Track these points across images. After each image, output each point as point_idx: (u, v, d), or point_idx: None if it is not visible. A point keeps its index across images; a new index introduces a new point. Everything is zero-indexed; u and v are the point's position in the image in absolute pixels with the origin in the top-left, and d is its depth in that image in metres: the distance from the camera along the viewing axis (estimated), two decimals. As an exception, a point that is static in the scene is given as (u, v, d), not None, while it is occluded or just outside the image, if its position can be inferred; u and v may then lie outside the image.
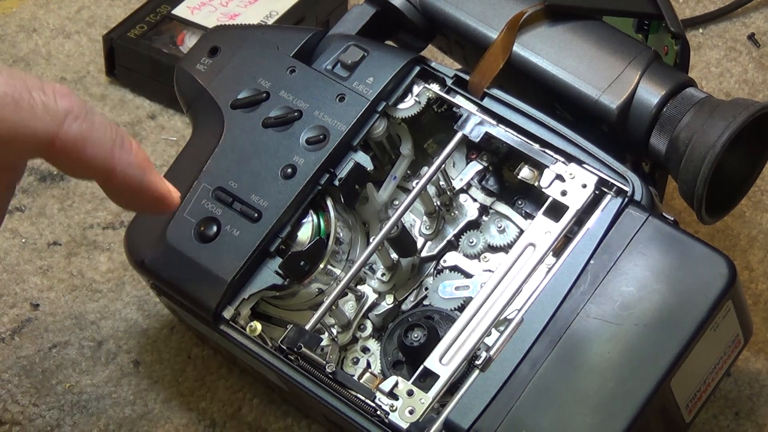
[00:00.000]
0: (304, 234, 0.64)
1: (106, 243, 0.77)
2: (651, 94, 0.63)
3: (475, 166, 0.68)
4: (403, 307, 0.67)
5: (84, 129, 0.53)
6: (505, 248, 0.66)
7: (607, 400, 0.57)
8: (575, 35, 0.66)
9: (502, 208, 0.67)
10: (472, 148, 0.68)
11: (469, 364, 0.60)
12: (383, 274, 0.67)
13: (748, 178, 0.66)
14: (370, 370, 0.63)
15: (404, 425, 0.59)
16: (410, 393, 0.60)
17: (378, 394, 0.60)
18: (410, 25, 0.70)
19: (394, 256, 0.66)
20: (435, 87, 0.66)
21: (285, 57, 0.67)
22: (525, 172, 0.64)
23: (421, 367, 0.61)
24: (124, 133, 0.56)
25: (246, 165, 0.65)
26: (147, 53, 0.85)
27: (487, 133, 0.65)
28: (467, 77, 0.66)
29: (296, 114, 0.65)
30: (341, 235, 0.65)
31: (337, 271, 0.65)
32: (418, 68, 0.67)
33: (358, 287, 0.66)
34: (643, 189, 0.61)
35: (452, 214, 0.68)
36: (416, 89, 0.67)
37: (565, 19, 0.66)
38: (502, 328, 0.60)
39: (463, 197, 0.68)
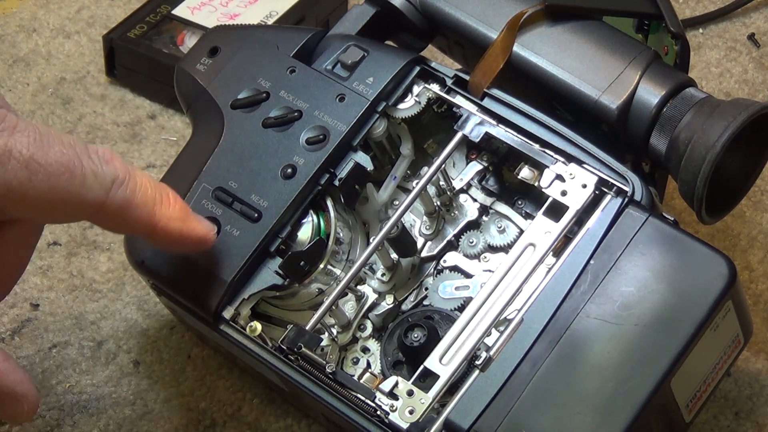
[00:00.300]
0: (304, 234, 0.64)
1: (106, 243, 0.77)
2: (651, 94, 0.63)
3: (475, 166, 0.68)
4: (403, 307, 0.67)
5: (128, 194, 0.56)
6: (505, 248, 0.66)
7: (607, 400, 0.57)
8: (575, 35, 0.66)
9: (502, 208, 0.67)
10: (472, 148, 0.68)
11: (469, 364, 0.60)
12: (383, 274, 0.67)
13: (748, 178, 0.66)
14: (370, 370, 0.63)
15: (404, 425, 0.59)
16: (410, 393, 0.60)
17: (378, 394, 0.60)
18: (410, 25, 0.70)
19: (394, 256, 0.66)
20: (435, 87, 0.66)
21: (285, 57, 0.67)
22: (525, 172, 0.64)
23: (421, 367, 0.61)
24: (163, 187, 0.58)
25: (246, 165, 0.65)
26: (147, 53, 0.85)
27: (487, 133, 0.65)
28: (467, 77, 0.66)
29: (296, 114, 0.65)
30: (341, 235, 0.65)
31: (337, 271, 0.65)
32: (418, 68, 0.67)
33: (358, 287, 0.66)
34: (643, 189, 0.61)
35: (452, 214, 0.68)
36: (416, 89, 0.67)
37: (565, 19, 0.66)
38: (502, 328, 0.60)
39: (463, 197, 0.68)
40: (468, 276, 0.66)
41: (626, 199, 0.61)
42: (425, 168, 0.68)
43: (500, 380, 0.58)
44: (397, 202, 0.68)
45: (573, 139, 0.63)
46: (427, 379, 0.61)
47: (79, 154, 0.54)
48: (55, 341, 0.73)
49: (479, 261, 0.66)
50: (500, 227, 0.67)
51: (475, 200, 0.68)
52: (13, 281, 0.60)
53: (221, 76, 0.68)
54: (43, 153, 0.53)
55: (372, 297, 0.67)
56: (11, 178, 0.52)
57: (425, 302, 0.66)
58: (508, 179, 0.67)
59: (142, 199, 0.57)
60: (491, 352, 0.59)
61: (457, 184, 0.68)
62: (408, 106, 0.66)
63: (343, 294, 0.64)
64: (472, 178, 0.68)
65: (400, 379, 0.60)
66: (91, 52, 0.90)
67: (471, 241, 0.67)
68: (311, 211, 0.64)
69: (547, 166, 0.63)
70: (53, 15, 0.92)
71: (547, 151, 0.63)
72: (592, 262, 0.60)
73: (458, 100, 0.66)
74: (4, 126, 0.53)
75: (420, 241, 0.68)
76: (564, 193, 0.62)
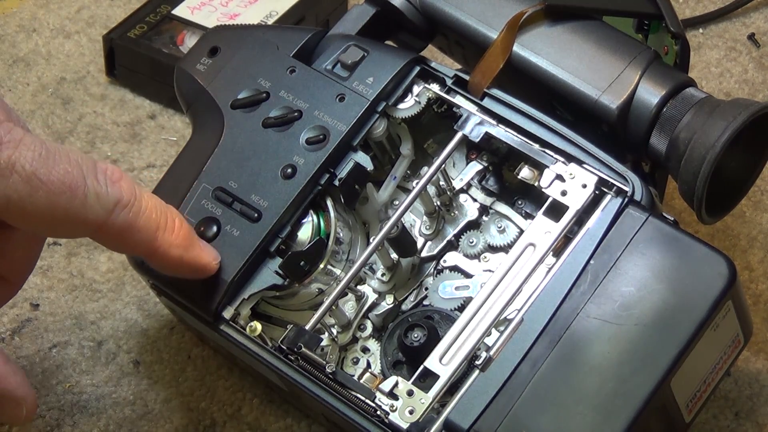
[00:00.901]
0: (304, 234, 0.64)
1: (106, 243, 0.77)
2: (651, 94, 0.63)
3: (475, 166, 0.68)
4: (403, 307, 0.67)
5: (130, 218, 0.56)
6: (505, 248, 0.66)
7: (607, 400, 0.57)
8: (575, 35, 0.66)
9: (502, 208, 0.67)
10: (472, 148, 0.68)
11: (469, 364, 0.60)
12: (383, 274, 0.67)
13: (748, 178, 0.66)
14: (370, 370, 0.63)
15: (404, 425, 0.59)
16: (410, 393, 0.60)
17: (378, 394, 0.60)
18: (410, 25, 0.70)
19: (394, 256, 0.66)
20: (435, 87, 0.66)
21: (285, 57, 0.67)
22: (525, 172, 0.64)
23: (421, 367, 0.61)
24: (170, 212, 0.59)
25: (246, 165, 0.65)
26: (147, 53, 0.85)
27: (487, 133, 0.65)
28: (467, 77, 0.66)
29: (296, 114, 0.65)
30: (341, 235, 0.65)
31: (337, 271, 0.65)
32: (418, 68, 0.67)
33: (358, 287, 0.66)
34: (643, 189, 0.61)
35: (452, 214, 0.68)
36: (416, 89, 0.67)
37: (565, 19, 0.66)
38: (502, 328, 0.60)
39: (463, 197, 0.68)
40: (468, 276, 0.66)
41: (626, 199, 0.61)
42: (425, 168, 0.68)
43: (500, 380, 0.58)
44: (397, 202, 0.68)
45: (573, 139, 0.63)
46: (427, 379, 0.61)
47: (84, 174, 0.55)
48: (55, 341, 0.73)
49: (479, 261, 0.66)
50: (500, 227, 0.66)
51: (475, 200, 0.68)
52: (23, 278, 0.61)
53: (221, 76, 0.68)
54: (46, 170, 0.53)
55: (372, 297, 0.66)
56: (11, 192, 0.53)
57: (425, 302, 0.66)
58: (508, 179, 0.67)
59: (144, 223, 0.57)
60: (491, 352, 0.59)
61: (457, 184, 0.68)
62: (408, 106, 0.66)
63: (343, 294, 0.64)
64: (472, 178, 0.68)
65: (400, 379, 0.60)
66: (91, 52, 0.90)
67: (471, 241, 0.67)
68: (311, 211, 0.64)
69: (547, 166, 0.63)
70: (53, 15, 0.92)
71: (547, 151, 0.63)
72: (592, 262, 0.60)
73: (458, 100, 0.66)
74: (9, 138, 0.53)
75: (420, 241, 0.68)
76: (564, 193, 0.62)
